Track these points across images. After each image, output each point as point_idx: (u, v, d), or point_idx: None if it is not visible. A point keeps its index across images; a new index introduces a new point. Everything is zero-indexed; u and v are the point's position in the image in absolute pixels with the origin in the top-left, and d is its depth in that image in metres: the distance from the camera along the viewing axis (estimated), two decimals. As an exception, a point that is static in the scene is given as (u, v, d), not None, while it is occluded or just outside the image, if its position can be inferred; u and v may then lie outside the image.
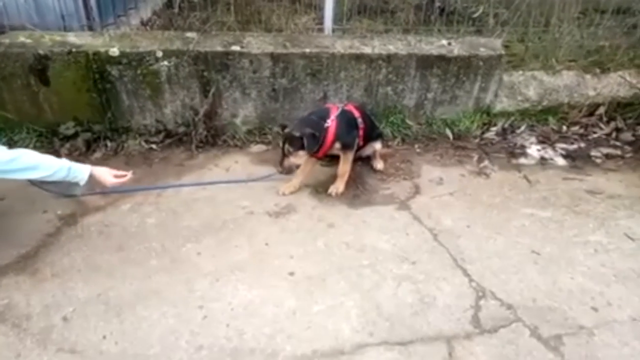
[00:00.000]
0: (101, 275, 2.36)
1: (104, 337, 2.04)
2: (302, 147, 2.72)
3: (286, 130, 2.82)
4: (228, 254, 2.52)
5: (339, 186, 3.00)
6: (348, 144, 2.92)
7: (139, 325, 2.10)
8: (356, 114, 3.00)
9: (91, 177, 2.46)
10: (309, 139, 2.69)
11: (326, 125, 2.81)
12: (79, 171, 2.40)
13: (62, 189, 2.43)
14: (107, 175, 2.52)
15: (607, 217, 2.84)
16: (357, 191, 3.07)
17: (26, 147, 3.30)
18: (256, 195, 2.98)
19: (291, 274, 2.40)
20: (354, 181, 3.11)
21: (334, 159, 3.07)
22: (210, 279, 2.35)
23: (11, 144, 3.38)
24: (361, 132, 2.99)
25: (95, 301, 2.21)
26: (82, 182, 2.44)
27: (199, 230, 2.68)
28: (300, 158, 2.80)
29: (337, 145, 2.89)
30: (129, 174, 2.61)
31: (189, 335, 2.05)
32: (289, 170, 2.83)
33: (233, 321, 2.12)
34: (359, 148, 3.10)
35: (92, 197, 2.91)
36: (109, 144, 3.43)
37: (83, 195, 2.81)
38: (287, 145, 2.76)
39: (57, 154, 3.22)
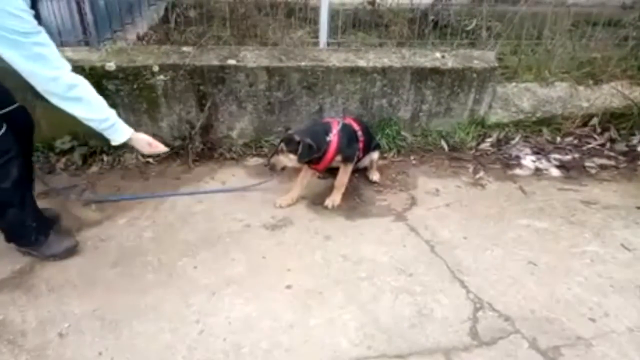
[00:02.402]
0: (97, 290, 2.35)
1: (100, 353, 2.02)
2: (295, 152, 2.73)
3: (289, 132, 2.81)
4: (225, 267, 2.51)
5: (335, 198, 3.00)
6: (349, 156, 2.94)
7: (135, 340, 2.09)
8: (356, 127, 3.03)
9: (128, 142, 2.38)
10: (305, 148, 2.71)
11: (328, 139, 2.84)
12: (119, 132, 2.29)
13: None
14: (144, 145, 2.45)
15: (602, 228, 2.85)
16: (354, 203, 3.07)
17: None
18: (253, 208, 2.98)
19: (288, 287, 2.39)
20: (350, 193, 3.12)
21: (331, 171, 3.08)
22: (207, 293, 2.33)
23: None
24: (361, 145, 3.02)
25: (91, 316, 2.20)
26: (114, 143, 2.34)
27: (195, 243, 2.67)
28: (289, 161, 2.79)
29: (338, 158, 2.91)
30: (164, 147, 2.55)
31: (186, 351, 2.04)
32: (273, 168, 2.82)
33: (230, 335, 2.11)
34: (358, 160, 3.11)
35: (88, 212, 2.90)
36: (105, 158, 3.43)
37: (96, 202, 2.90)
38: (282, 144, 2.77)
39: (53, 169, 3.24)
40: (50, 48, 1.95)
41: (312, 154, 2.76)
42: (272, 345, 2.06)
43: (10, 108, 2.30)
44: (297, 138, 2.73)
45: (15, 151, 2.21)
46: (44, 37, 1.91)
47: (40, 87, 2.02)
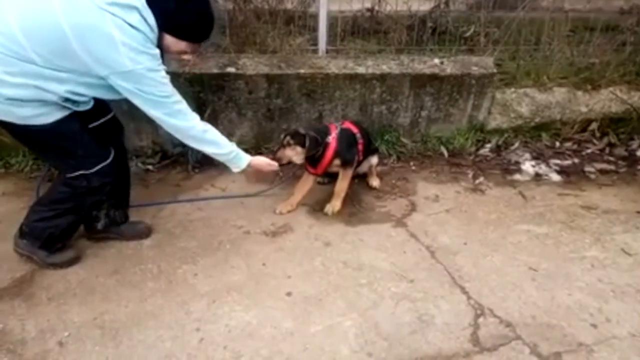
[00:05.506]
0: (97, 298, 2.34)
1: (100, 361, 2.02)
2: (301, 144, 2.76)
3: (292, 128, 2.87)
4: (225, 274, 2.51)
5: (335, 204, 3.00)
6: (348, 160, 2.95)
7: (135, 349, 2.08)
8: (354, 130, 3.04)
9: (249, 166, 2.58)
10: (312, 140, 2.76)
11: (327, 141, 2.86)
12: (240, 159, 2.52)
13: None
14: (265, 165, 2.66)
15: (603, 232, 2.85)
16: (354, 209, 3.07)
17: (22, 170, 3.35)
18: (252, 214, 2.98)
19: (288, 294, 2.38)
20: (350, 199, 3.12)
21: (331, 177, 3.08)
22: (206, 301, 2.33)
23: (7, 167, 3.39)
24: (360, 147, 3.03)
25: (91, 325, 2.19)
26: (236, 170, 2.55)
27: (195, 251, 2.67)
28: (296, 154, 2.79)
29: (337, 162, 2.92)
30: (276, 164, 2.74)
31: (186, 359, 2.03)
32: (279, 161, 2.78)
33: (230, 343, 2.10)
34: (358, 164, 3.12)
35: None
36: (105, 165, 3.42)
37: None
38: (288, 137, 2.79)
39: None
40: (184, 103, 2.27)
41: (317, 147, 2.80)
42: (272, 353, 2.06)
43: (107, 117, 2.49)
44: (302, 131, 2.78)
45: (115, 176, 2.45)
46: (178, 96, 2.25)
47: (180, 135, 2.34)
